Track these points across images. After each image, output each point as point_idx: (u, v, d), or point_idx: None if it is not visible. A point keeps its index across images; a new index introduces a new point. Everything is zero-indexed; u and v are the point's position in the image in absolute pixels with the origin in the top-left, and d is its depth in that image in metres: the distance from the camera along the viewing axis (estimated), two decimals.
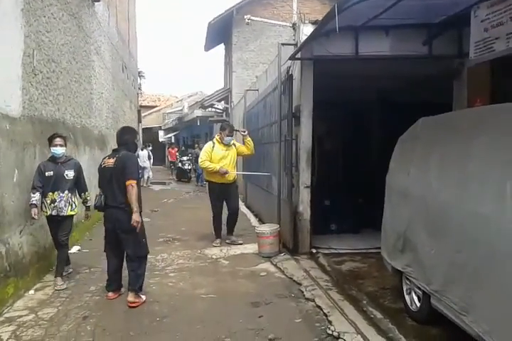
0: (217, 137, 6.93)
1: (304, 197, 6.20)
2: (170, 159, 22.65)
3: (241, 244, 6.86)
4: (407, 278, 3.89)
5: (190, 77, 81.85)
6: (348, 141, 9.20)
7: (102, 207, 4.50)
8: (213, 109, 20.10)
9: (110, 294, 4.52)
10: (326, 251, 6.26)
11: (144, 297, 4.44)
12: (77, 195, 5.30)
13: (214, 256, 6.22)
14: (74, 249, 6.64)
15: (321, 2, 16.41)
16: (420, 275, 3.55)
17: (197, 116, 20.53)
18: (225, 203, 7.03)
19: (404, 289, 4.01)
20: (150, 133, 30.42)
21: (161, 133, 31.22)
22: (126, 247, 4.44)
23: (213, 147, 6.78)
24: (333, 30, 5.95)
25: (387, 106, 8.96)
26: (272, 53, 12.29)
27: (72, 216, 5.23)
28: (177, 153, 21.93)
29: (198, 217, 9.58)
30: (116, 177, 4.35)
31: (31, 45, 5.60)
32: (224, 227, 7.11)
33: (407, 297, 3.97)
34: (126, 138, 4.56)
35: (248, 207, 10.80)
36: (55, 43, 6.72)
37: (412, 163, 3.92)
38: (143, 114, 32.88)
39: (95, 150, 9.47)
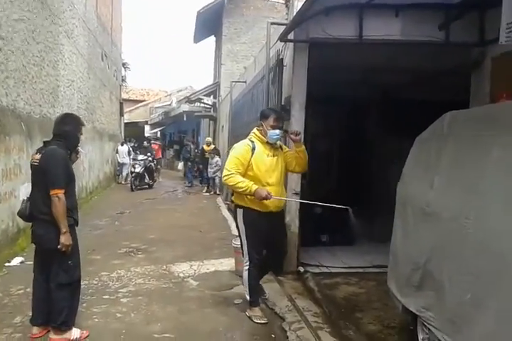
0: (256, 132, 4.00)
1: (292, 205, 5.21)
2: None
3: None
4: (424, 325, 2.91)
5: (181, 72, 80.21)
6: (345, 141, 8.23)
7: (26, 215, 3.43)
8: (201, 104, 19.09)
9: (34, 330, 3.46)
10: (316, 270, 5.29)
11: (75, 334, 3.40)
12: None
13: (181, 275, 5.18)
14: (15, 261, 5.57)
15: None
16: (446, 326, 2.56)
17: (183, 111, 19.45)
18: None
19: (420, 338, 3.02)
20: (136, 128, 29.30)
21: (147, 128, 30.09)
22: (48, 270, 3.41)
23: (253, 149, 3.86)
24: (333, 8, 5.06)
25: (391, 103, 8.01)
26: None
27: None
28: (132, 152, 15.71)
29: (171, 221, 8.61)
30: (38, 180, 3.32)
31: None
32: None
33: None
34: (66, 129, 3.48)
35: (230, 210, 9.73)
36: (2, 17, 5.64)
37: (437, 170, 2.93)
38: (129, 108, 31.94)
39: None
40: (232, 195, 4.04)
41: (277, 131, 3.90)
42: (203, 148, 14.66)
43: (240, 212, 3.92)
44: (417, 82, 7.30)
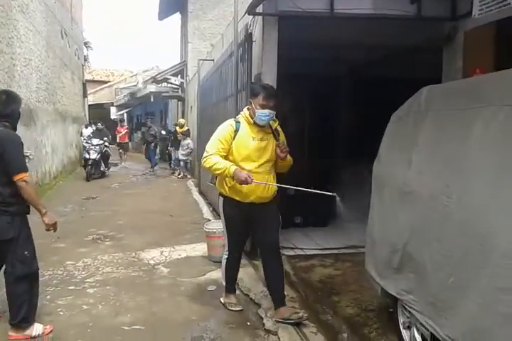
0: (245, 112, 3.53)
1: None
2: (118, 140, 17.90)
3: (305, 319, 3.37)
4: (405, 307, 2.82)
5: (147, 51, 77.91)
6: (315, 121, 8.08)
7: None
8: (169, 85, 18.53)
9: None
10: (291, 253, 5.18)
11: (37, 330, 3.18)
12: None
13: (151, 262, 4.98)
14: None
15: None
16: (428, 310, 2.47)
17: (150, 92, 18.82)
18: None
19: (401, 321, 2.95)
20: (101, 110, 28.43)
21: (113, 109, 29.20)
22: (1, 264, 3.17)
23: (236, 131, 3.41)
24: None
25: (360, 82, 7.89)
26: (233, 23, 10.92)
27: None
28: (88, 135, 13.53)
29: (140, 206, 8.35)
30: None
31: None
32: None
33: (404, 332, 2.92)
34: (13, 108, 3.21)
35: (202, 194, 9.55)
36: None
37: (416, 148, 2.80)
38: (94, 90, 30.88)
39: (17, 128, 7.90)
40: (217, 177, 3.61)
41: (266, 111, 3.33)
42: (175, 129, 14.03)
43: (220, 200, 3.59)
44: (387, 59, 7.18)
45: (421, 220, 2.58)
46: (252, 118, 3.41)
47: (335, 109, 8.49)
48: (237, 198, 3.43)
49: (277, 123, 3.56)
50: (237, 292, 3.93)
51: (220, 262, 4.78)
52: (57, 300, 3.85)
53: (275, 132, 3.49)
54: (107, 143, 12.84)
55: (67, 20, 13.89)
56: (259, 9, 4.79)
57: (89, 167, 11.95)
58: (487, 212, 2.07)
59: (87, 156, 11.99)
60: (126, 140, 18.69)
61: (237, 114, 5.43)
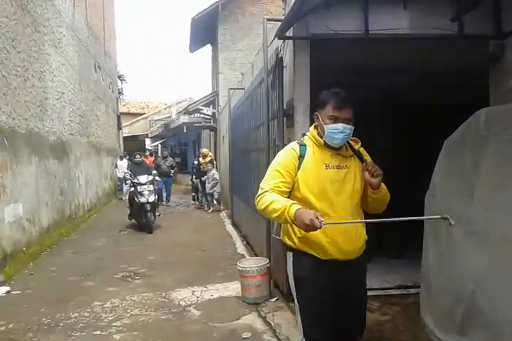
0: (311, 131, 2.57)
1: None
2: None
3: None
4: None
5: (181, 83, 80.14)
6: None
7: None
8: (201, 115, 18.65)
9: None
10: None
11: None
12: None
13: (182, 303, 4.64)
14: (0, 291, 5.07)
15: None
16: None
17: (183, 123, 18.99)
18: None
19: None
20: (137, 142, 28.93)
21: (147, 141, 29.70)
22: None
23: (301, 157, 2.44)
24: (334, 0, 4.59)
25: (396, 107, 7.53)
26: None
27: None
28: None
29: (173, 239, 8.08)
30: None
31: None
32: None
33: None
34: None
35: (235, 225, 9.23)
36: None
37: (477, 178, 2.41)
38: (129, 122, 31.57)
39: (49, 161, 7.91)
40: (281, 225, 2.56)
41: (340, 126, 2.35)
42: (198, 161, 13.46)
43: (289, 256, 2.50)
44: (426, 83, 6.82)
45: (492, 266, 2.16)
46: (322, 138, 2.45)
47: (369, 136, 8.11)
48: (313, 252, 2.37)
49: (360, 143, 2.59)
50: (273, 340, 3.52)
51: (255, 304, 4.45)
52: None
53: (357, 155, 2.52)
54: (157, 177, 10.00)
55: (100, 54, 14.21)
56: (290, 33, 4.56)
57: (149, 213, 8.86)
58: None
59: (142, 200, 8.79)
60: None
61: (269, 143, 5.20)
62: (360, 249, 2.42)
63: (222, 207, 12.33)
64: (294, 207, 2.17)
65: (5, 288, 5.17)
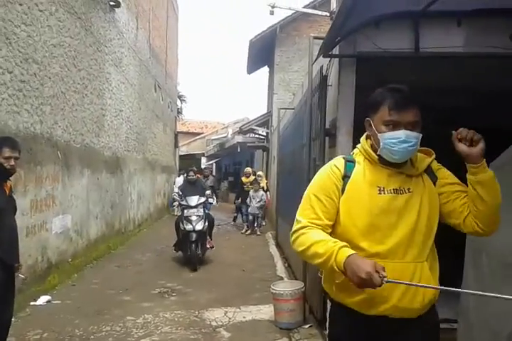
0: (363, 143, 1.93)
1: None
2: None
3: None
4: None
5: (239, 103, 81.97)
6: None
7: None
8: (255, 135, 18.84)
9: None
10: None
11: None
12: None
13: (213, 323, 4.54)
14: (41, 300, 5.20)
15: None
16: None
17: (237, 142, 19.22)
18: None
19: None
20: (193, 160, 29.66)
21: (203, 159, 30.37)
22: None
23: (345, 177, 1.83)
24: (383, 18, 4.46)
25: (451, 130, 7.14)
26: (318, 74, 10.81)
27: None
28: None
29: (214, 257, 8.01)
30: None
31: None
32: None
33: None
34: None
35: (278, 246, 9.05)
36: (38, 41, 5.52)
37: None
38: (188, 141, 32.51)
39: (101, 174, 8.17)
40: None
41: (401, 134, 1.73)
42: (241, 180, 12.99)
43: (329, 306, 2.07)
44: (481, 106, 6.43)
45: None
46: (376, 152, 1.84)
47: None
48: (355, 307, 1.78)
49: (433, 156, 1.90)
50: None
51: (288, 329, 4.27)
52: None
53: (429, 173, 1.85)
54: (211, 200, 8.65)
55: (161, 74, 14.74)
56: (336, 51, 4.47)
57: (194, 245, 7.18)
58: None
59: (188, 227, 7.23)
60: None
61: (309, 164, 5.07)
62: (423, 308, 1.75)
63: (260, 232, 11.64)
64: (344, 253, 1.62)
65: (46, 297, 5.29)
